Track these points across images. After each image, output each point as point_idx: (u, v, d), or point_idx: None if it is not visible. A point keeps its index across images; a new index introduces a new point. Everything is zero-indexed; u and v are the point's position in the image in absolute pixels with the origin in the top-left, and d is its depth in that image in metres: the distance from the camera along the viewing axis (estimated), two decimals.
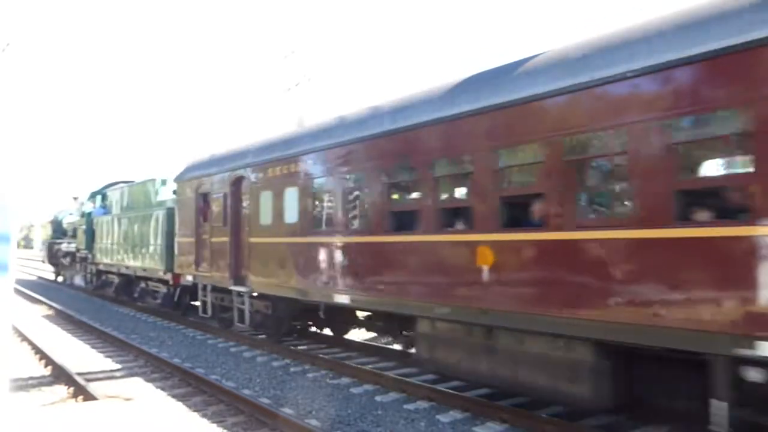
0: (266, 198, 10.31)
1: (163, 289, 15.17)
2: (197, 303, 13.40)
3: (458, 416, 6.64)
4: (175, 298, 14.61)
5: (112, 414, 5.90)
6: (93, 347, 11.31)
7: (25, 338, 11.47)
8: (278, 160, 10.05)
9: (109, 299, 19.44)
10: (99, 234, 19.87)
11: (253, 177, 10.79)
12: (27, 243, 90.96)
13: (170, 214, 14.23)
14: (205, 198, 12.44)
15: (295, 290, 9.53)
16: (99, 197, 21.35)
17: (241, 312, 11.11)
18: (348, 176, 8.56)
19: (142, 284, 16.68)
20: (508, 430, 6.20)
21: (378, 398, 7.45)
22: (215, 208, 11.92)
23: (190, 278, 13.02)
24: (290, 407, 7.02)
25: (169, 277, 14.39)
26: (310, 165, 9.35)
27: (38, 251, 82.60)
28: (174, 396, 7.70)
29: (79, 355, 10.36)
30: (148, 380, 8.60)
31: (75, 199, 26.57)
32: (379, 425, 6.42)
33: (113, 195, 19.79)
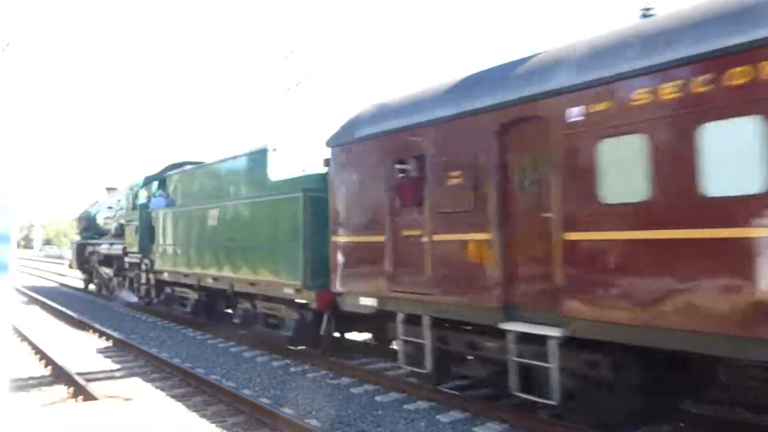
0: (622, 151, 5.27)
1: (293, 314, 9.69)
2: (361, 339, 10.27)
3: (458, 416, 6.64)
4: (321, 330, 9.22)
5: (112, 414, 5.90)
6: (93, 347, 11.31)
7: (25, 338, 11.48)
8: (688, 63, 4.86)
9: (177, 321, 14.14)
10: (161, 232, 14.41)
11: (576, 113, 5.56)
12: (27, 243, 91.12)
13: (311, 200, 9.10)
14: (403, 166, 7.57)
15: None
16: (155, 184, 16.04)
17: (524, 371, 6.06)
18: None
19: (245, 304, 11.19)
20: (508, 430, 6.20)
21: (378, 398, 7.46)
22: (447, 181, 6.75)
23: (369, 302, 7.94)
24: (290, 407, 7.02)
25: (309, 297, 9.10)
26: None
27: (38, 251, 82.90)
28: (174, 396, 7.70)
29: (79, 355, 10.35)
30: (148, 380, 8.60)
31: (110, 190, 22.48)
32: (379, 425, 6.42)
33: (181, 179, 14.54)
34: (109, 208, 20.68)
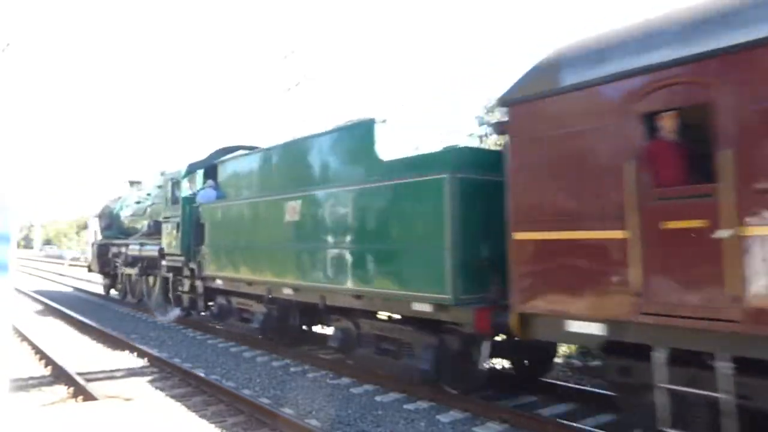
0: None
1: (427, 339, 7.16)
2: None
3: (458, 416, 6.64)
4: (481, 363, 6.85)
5: (112, 414, 5.90)
6: (93, 347, 11.31)
7: (25, 338, 11.48)
8: None
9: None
10: (214, 230, 11.75)
11: None
12: (27, 243, 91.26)
13: (461, 183, 6.58)
14: (664, 123, 5.11)
15: None
16: (200, 173, 13.22)
17: None
18: None
19: (345, 323, 8.55)
20: (508, 430, 6.20)
21: (378, 398, 7.46)
22: None
23: (589, 329, 5.37)
24: (290, 407, 7.03)
25: (462, 315, 6.54)
26: None
27: (38, 251, 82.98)
28: (174, 396, 7.71)
29: (79, 355, 10.36)
30: (148, 380, 8.60)
31: (133, 183, 19.92)
32: (379, 425, 6.43)
33: (239, 166, 11.54)
34: (137, 203, 17.88)
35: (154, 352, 10.20)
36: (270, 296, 9.92)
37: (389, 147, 8.01)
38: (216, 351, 10.73)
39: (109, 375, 8.96)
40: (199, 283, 12.56)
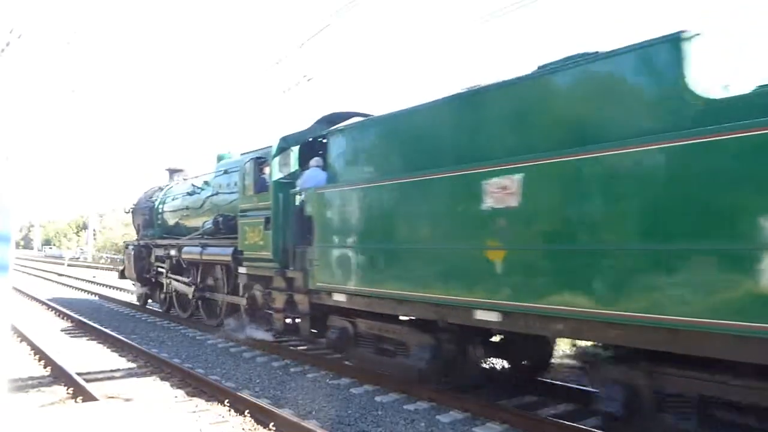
0: None
1: None
2: None
3: (458, 416, 6.64)
4: None
5: (112, 414, 5.90)
6: (93, 347, 11.31)
7: (24, 338, 11.47)
8: None
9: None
10: (330, 225, 8.18)
11: None
12: (27, 243, 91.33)
13: None
14: None
15: None
16: (294, 151, 9.89)
17: None
18: None
19: (626, 373, 5.08)
20: (508, 430, 6.20)
21: (378, 398, 7.45)
22: None
23: None
24: (290, 407, 7.02)
25: None
26: None
27: (37, 251, 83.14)
28: (174, 396, 7.70)
29: (79, 355, 10.35)
30: (148, 380, 8.60)
31: (174, 172, 16.70)
32: (379, 425, 6.42)
33: (364, 136, 8.10)
34: (189, 194, 14.22)
35: (154, 352, 10.20)
36: (444, 321, 6.67)
37: (716, 74, 4.88)
38: (216, 351, 10.73)
39: (109, 375, 8.96)
40: (302, 298, 9.09)
